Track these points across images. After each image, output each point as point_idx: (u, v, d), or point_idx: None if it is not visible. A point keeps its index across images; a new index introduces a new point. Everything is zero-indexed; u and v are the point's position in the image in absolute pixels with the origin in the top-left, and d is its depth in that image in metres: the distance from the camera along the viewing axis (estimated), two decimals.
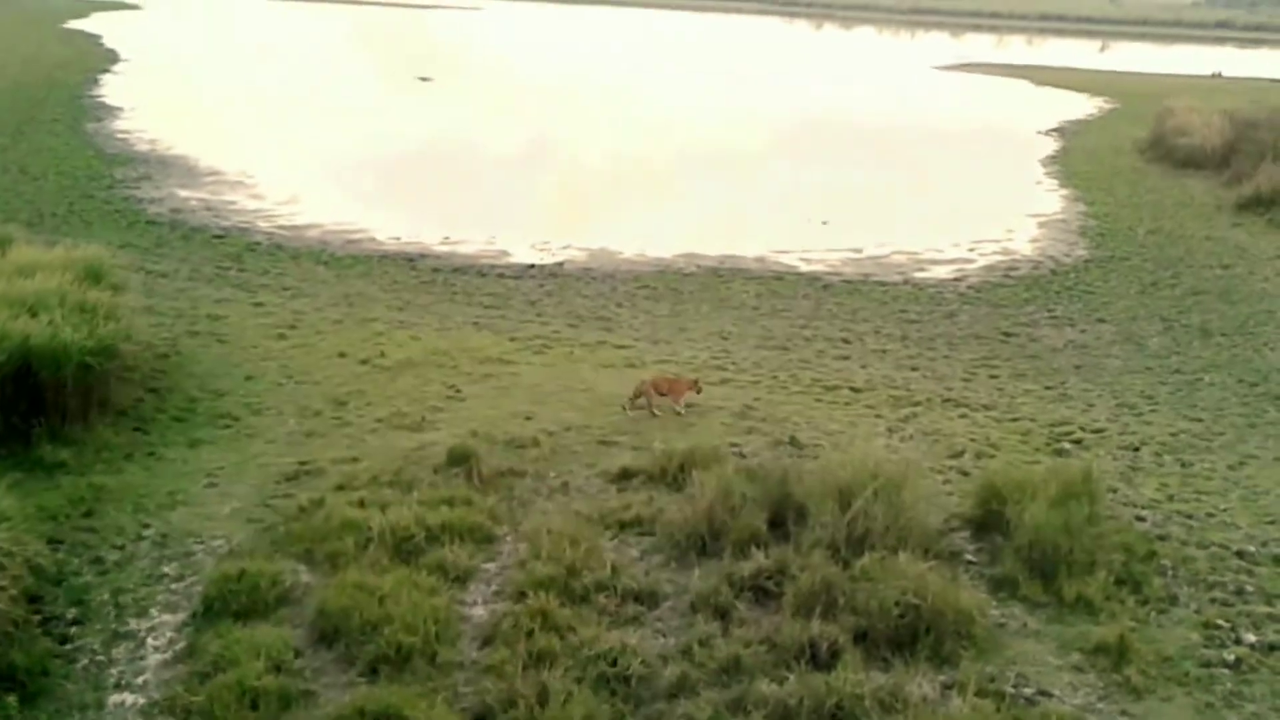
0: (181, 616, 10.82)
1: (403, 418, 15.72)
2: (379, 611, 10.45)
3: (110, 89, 49.99)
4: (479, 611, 10.93)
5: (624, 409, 16.19)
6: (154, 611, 10.94)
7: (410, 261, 25.51)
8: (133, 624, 10.74)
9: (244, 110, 47.59)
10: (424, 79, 59.11)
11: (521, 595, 10.88)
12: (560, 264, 25.87)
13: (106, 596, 11.12)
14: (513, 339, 19.83)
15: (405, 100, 53.09)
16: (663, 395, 16.28)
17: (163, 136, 38.91)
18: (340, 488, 13.25)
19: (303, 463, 14.15)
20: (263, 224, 28.29)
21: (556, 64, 76.85)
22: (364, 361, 18.12)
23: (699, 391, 16.55)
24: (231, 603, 10.79)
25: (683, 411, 16.17)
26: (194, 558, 11.87)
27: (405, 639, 10.12)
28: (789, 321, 22.27)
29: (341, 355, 18.37)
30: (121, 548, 12.04)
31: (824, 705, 9.19)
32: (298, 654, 10.17)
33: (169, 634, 10.58)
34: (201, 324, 19.63)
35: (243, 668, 9.71)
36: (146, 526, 12.47)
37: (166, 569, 11.66)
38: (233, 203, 30.45)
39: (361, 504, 12.65)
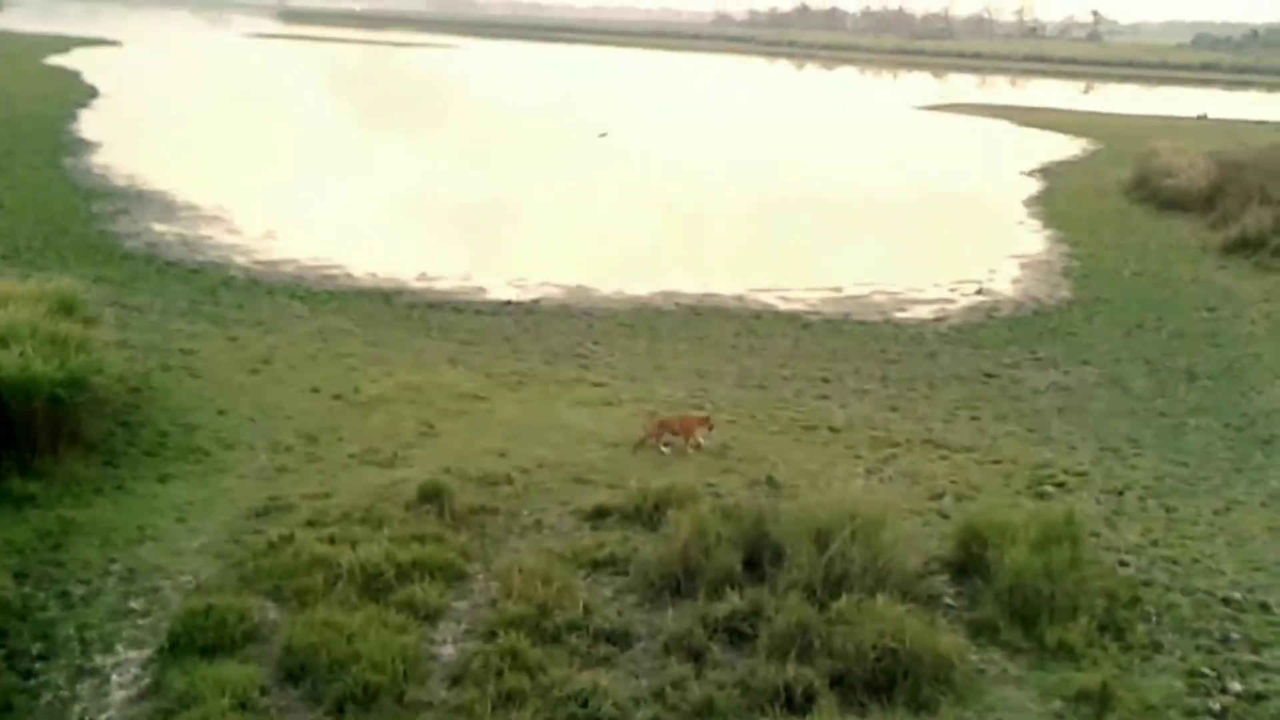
0: (147, 653, 10.54)
1: (375, 453, 15.47)
2: (347, 649, 10.20)
3: (88, 124, 50.06)
4: (448, 650, 10.67)
5: (634, 451, 16.00)
6: (119, 647, 10.65)
7: (386, 297, 25.38)
8: (98, 660, 10.45)
9: (222, 146, 47.66)
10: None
11: (492, 634, 10.62)
12: (537, 301, 25.76)
13: (72, 632, 10.83)
14: (488, 375, 19.63)
15: (381, 138, 53.19)
16: (675, 435, 16.15)
17: (140, 171, 38.88)
18: (310, 524, 12.97)
19: (273, 498, 13.88)
20: (239, 259, 28.13)
21: (536, 102, 77.24)
22: (337, 397, 17.89)
23: (711, 429, 16.41)
24: (198, 639, 10.51)
25: (702, 444, 16.05)
26: (161, 593, 11.59)
27: (373, 677, 9.86)
28: (767, 360, 22.14)
29: (315, 390, 18.13)
30: (88, 582, 11.73)
31: None
32: (264, 691, 9.89)
33: (134, 670, 10.31)
34: (174, 358, 19.37)
35: (208, 705, 9.46)
36: (114, 561, 12.17)
37: (133, 604, 11.39)
38: (209, 237, 30.31)
39: (331, 540, 12.37)
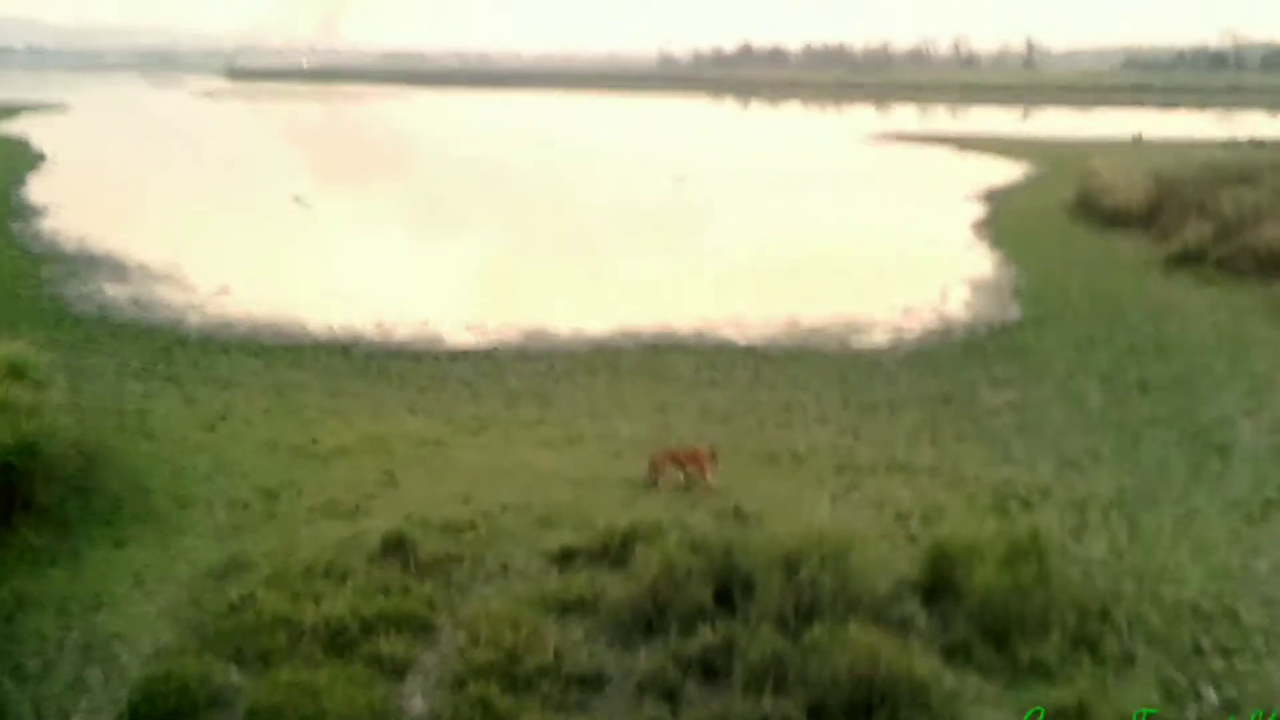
0: None
1: (336, 506, 15.26)
2: (313, 708, 10.00)
3: (37, 189, 49.55)
4: (417, 703, 10.48)
5: (645, 485, 16.02)
6: None
7: (343, 349, 25.16)
8: None
9: (173, 207, 47.29)
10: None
11: (461, 684, 10.46)
12: (495, 346, 25.65)
13: (27, 707, 10.54)
14: (448, 421, 19.48)
15: (335, 191, 53.03)
16: (681, 466, 16.12)
17: (90, 234, 38.53)
18: (271, 581, 12.70)
19: (233, 557, 13.61)
20: (192, 317, 27.83)
21: (485, 148, 77.42)
22: (296, 450, 17.66)
23: (715, 458, 16.39)
24: (159, 706, 10.26)
25: (711, 480, 16.02)
26: (119, 661, 11.32)
27: None
28: (728, 393, 22.14)
29: (272, 445, 17.90)
30: (43, 655, 11.44)
31: None
32: None
33: None
34: (129, 420, 19.06)
35: None
36: (69, 631, 11.89)
37: (90, 674, 11.10)
38: (161, 297, 29.99)
39: (294, 597, 12.15)
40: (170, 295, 30.27)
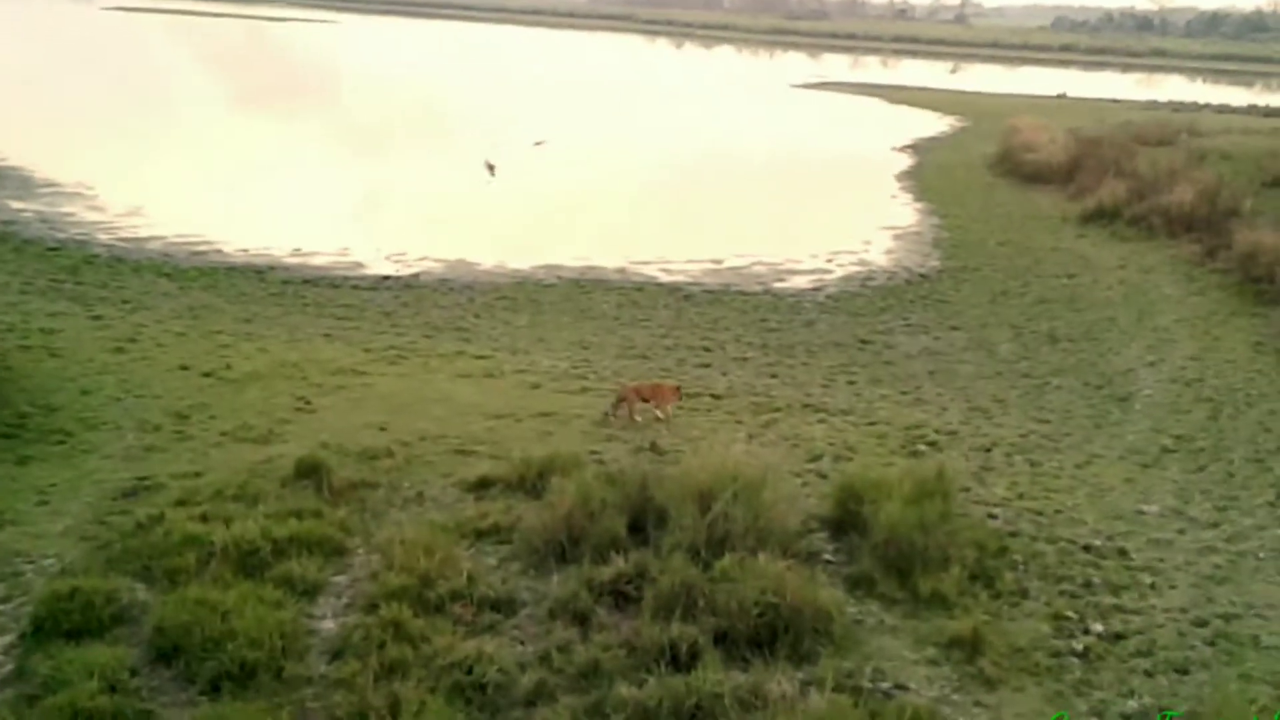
0: (9, 639, 10.06)
1: (248, 430, 15.06)
2: (221, 627, 9.89)
3: None
4: (328, 625, 10.46)
5: (606, 415, 16.13)
6: None
7: (259, 273, 24.71)
8: None
9: (83, 124, 45.70)
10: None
11: (373, 607, 10.45)
12: (416, 275, 25.39)
13: None
14: (366, 350, 19.29)
15: (251, 114, 51.72)
16: (645, 401, 16.27)
17: None
18: (181, 503, 12.55)
19: (141, 478, 13.40)
20: (102, 236, 27.07)
21: (419, 76, 75.97)
22: (208, 374, 17.35)
23: (681, 398, 16.63)
24: (63, 622, 10.10)
25: (667, 417, 16.18)
26: (23, 578, 11.08)
27: (249, 654, 9.60)
28: (650, 331, 22.25)
29: (184, 368, 17.56)
30: None
31: (684, 706, 9.04)
32: (134, 673, 9.55)
33: None
34: (34, 338, 18.54)
35: (75, 688, 9.10)
36: None
37: None
38: (70, 214, 29.09)
39: (203, 519, 11.98)
40: (79, 213, 29.38)
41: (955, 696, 9.88)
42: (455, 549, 11.65)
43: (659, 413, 16.29)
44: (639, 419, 16.14)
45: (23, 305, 20.63)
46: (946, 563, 11.66)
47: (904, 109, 71.27)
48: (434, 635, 10.06)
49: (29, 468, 13.67)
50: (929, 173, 44.90)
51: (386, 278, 25.06)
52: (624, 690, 9.26)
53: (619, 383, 17.17)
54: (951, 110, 69.17)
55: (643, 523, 11.96)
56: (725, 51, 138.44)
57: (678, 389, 16.83)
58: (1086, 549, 12.78)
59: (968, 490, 14.08)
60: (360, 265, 26.07)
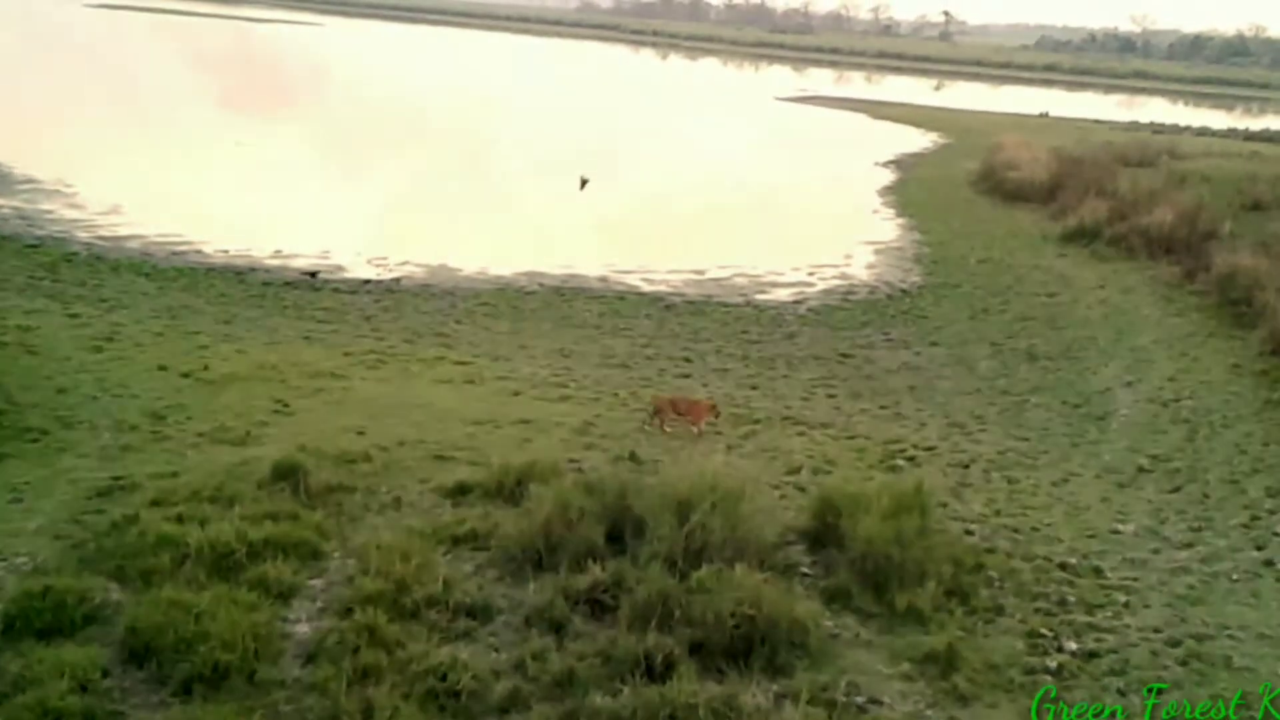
0: None
1: (226, 432, 14.96)
2: (194, 629, 9.82)
3: None
4: (303, 629, 10.40)
5: (644, 426, 16.26)
6: None
7: (239, 275, 24.60)
8: None
9: (65, 121, 45.42)
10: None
11: (348, 611, 10.40)
12: (398, 280, 25.33)
13: None
14: (346, 354, 19.21)
15: (235, 115, 51.52)
16: (680, 415, 16.33)
17: None
18: (156, 503, 12.44)
19: (116, 478, 13.28)
20: (81, 234, 26.91)
21: (405, 81, 75.85)
22: (186, 375, 17.23)
23: (717, 415, 16.67)
24: (34, 621, 10.02)
25: (700, 433, 16.22)
26: None
27: (222, 657, 9.54)
28: (631, 340, 22.26)
29: (162, 368, 17.44)
30: None
31: (658, 716, 9.02)
32: (106, 673, 9.49)
33: None
34: (9, 334, 18.35)
35: (45, 688, 9.04)
36: None
37: None
38: (49, 211, 28.93)
39: (179, 519, 11.90)
40: (59, 210, 29.19)
41: (929, 712, 9.90)
42: (432, 555, 11.62)
43: (694, 429, 16.33)
44: (669, 430, 16.19)
45: None
46: (923, 578, 11.70)
47: (887, 124, 71.65)
48: (409, 641, 10.03)
49: (3, 465, 13.53)
50: (911, 188, 45.11)
51: (368, 281, 25.01)
52: (598, 700, 9.26)
53: (654, 395, 17.26)
54: (934, 127, 69.57)
55: (620, 532, 11.95)
56: (710, 63, 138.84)
57: (714, 406, 16.90)
58: (1062, 567, 12.83)
59: (945, 506, 14.13)
60: (341, 268, 25.99)
